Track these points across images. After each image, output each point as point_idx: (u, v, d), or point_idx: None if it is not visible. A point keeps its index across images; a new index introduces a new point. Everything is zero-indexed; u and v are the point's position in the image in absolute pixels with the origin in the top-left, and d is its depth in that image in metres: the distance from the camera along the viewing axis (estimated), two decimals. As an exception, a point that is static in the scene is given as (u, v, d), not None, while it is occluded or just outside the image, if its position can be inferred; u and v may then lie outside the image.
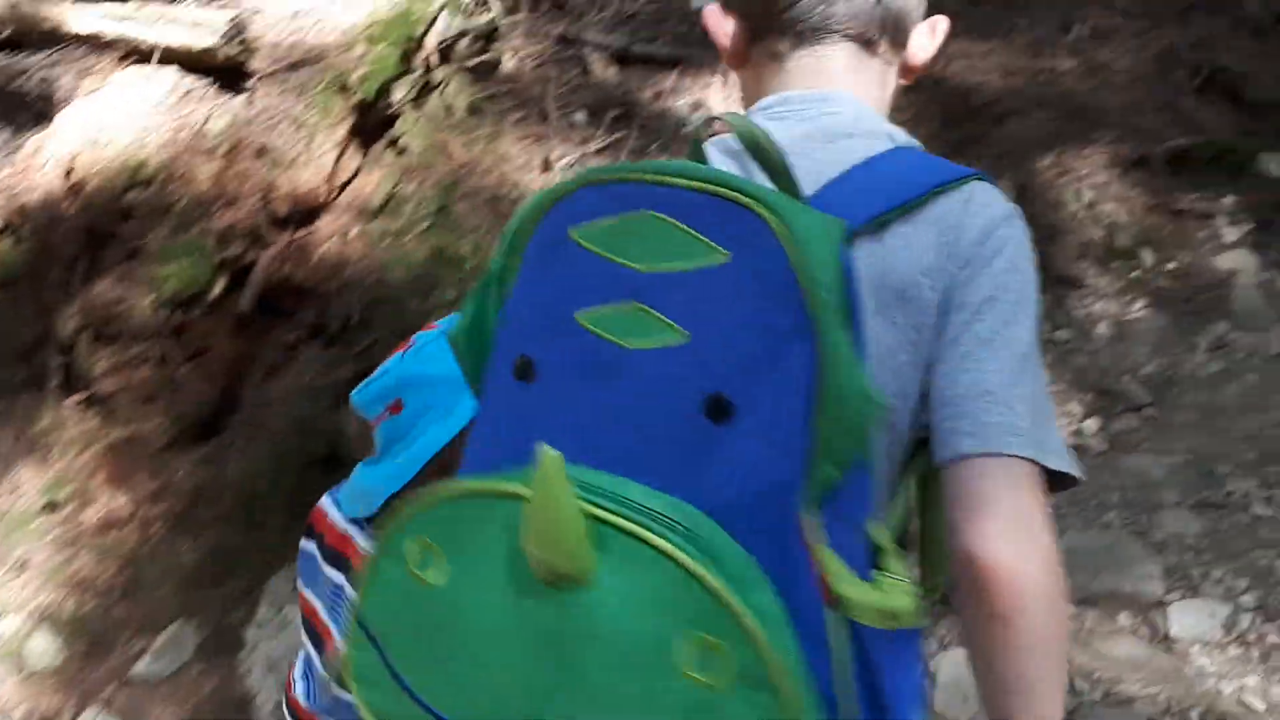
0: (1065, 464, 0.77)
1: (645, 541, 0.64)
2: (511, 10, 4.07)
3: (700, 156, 0.83)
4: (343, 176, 3.27)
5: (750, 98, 0.95)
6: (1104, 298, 3.67)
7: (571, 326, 0.73)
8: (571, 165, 3.73)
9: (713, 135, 0.87)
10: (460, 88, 3.70)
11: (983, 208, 0.82)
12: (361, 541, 1.26)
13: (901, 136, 0.88)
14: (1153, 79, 4.14)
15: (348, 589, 1.25)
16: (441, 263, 3.34)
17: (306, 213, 3.13)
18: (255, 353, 3.08)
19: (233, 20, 3.25)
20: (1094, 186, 3.85)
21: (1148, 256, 3.74)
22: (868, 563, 0.72)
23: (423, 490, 0.72)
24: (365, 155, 3.35)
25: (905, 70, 0.96)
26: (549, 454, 0.65)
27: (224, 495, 2.98)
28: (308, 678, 1.30)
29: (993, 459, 0.75)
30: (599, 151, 3.80)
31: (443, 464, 1.21)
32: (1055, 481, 0.77)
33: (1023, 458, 0.75)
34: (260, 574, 2.89)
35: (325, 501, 1.33)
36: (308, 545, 1.33)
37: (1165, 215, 3.82)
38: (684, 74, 4.09)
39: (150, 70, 3.22)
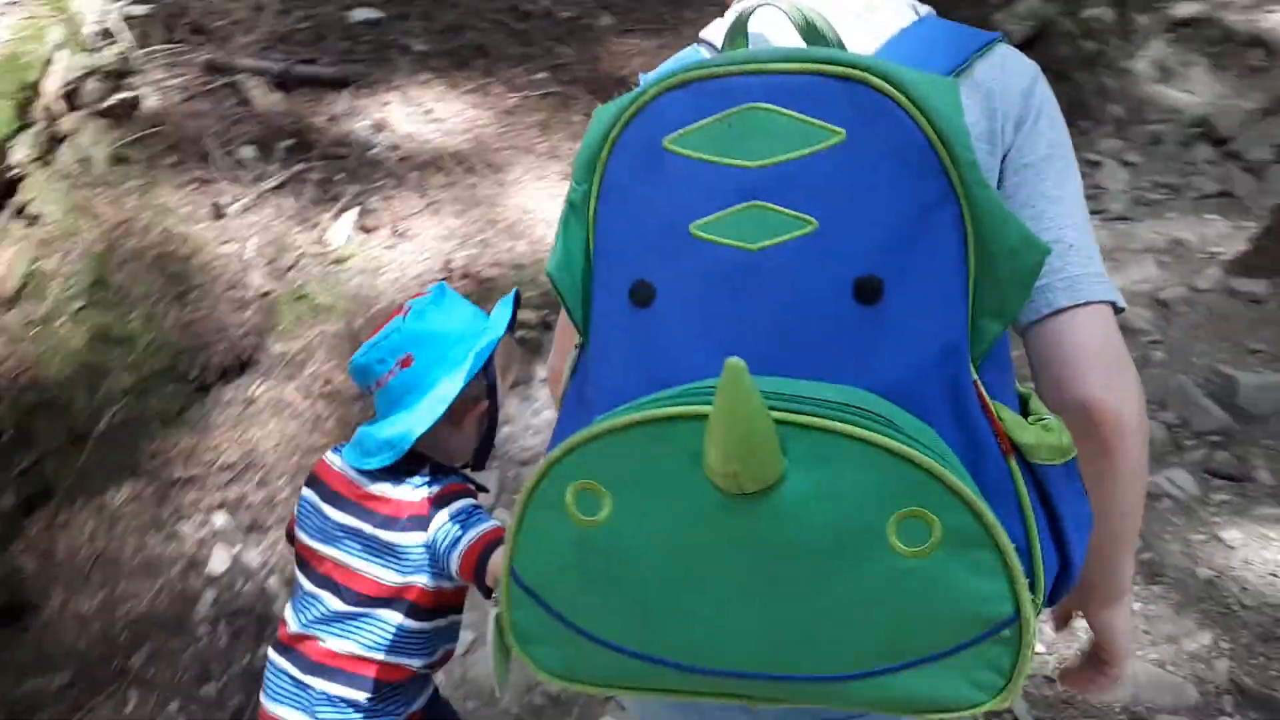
0: (1121, 299, 0.82)
1: (838, 433, 0.61)
2: (144, 40, 3.53)
3: (744, 41, 0.81)
4: (-41, 261, 2.66)
5: None
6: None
7: (686, 240, 0.70)
8: (247, 209, 3.30)
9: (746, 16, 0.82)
10: (97, 136, 3.14)
11: (1017, 68, 0.85)
12: (372, 485, 1.43)
13: (921, 6, 0.89)
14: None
15: (346, 521, 1.44)
16: (108, 346, 2.82)
17: (-84, 314, 2.50)
18: (-126, 499, 2.43)
19: None
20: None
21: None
22: (1018, 409, 0.74)
23: (569, 444, 0.67)
24: (-14, 232, 2.75)
25: None
26: (732, 363, 0.59)
27: None
28: (302, 607, 1.47)
29: (1085, 309, 0.79)
30: (277, 189, 3.39)
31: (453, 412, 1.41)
32: None
33: (1107, 302, 0.80)
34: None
35: (328, 457, 1.50)
36: (308, 493, 1.49)
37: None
38: (358, 94, 3.76)
39: None
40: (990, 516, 0.62)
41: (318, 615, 1.46)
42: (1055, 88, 0.89)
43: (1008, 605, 0.63)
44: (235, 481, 2.85)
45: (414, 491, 1.43)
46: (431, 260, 3.26)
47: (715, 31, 0.93)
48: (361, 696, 1.45)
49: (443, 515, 1.41)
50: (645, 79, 0.83)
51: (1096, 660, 0.95)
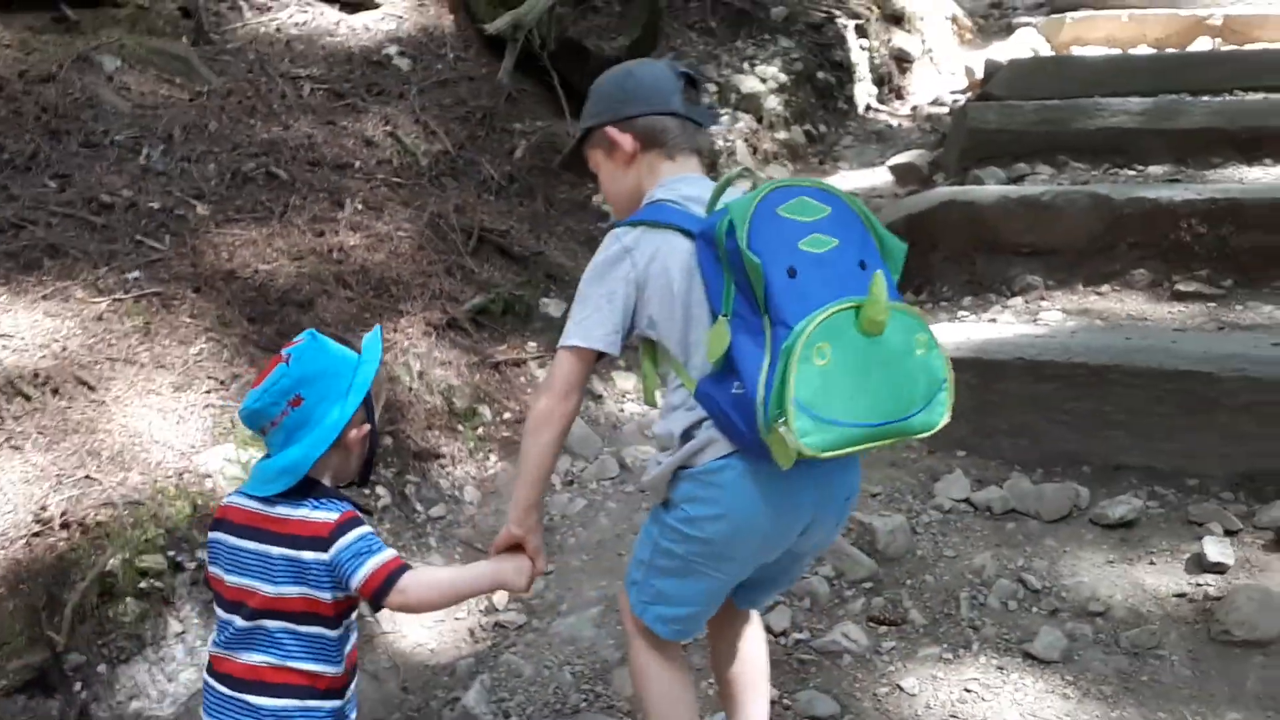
0: None
1: (899, 309, 1.63)
2: None
3: (725, 187, 1.81)
4: None
5: (642, 178, 1.92)
6: (461, 462, 3.70)
7: (797, 249, 1.64)
8: None
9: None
10: None
11: None
12: (272, 510, 1.74)
13: None
14: (433, 244, 4.34)
15: (252, 546, 1.74)
16: None
17: None
18: None
19: None
20: (418, 356, 3.87)
21: (486, 412, 3.89)
22: None
23: (801, 330, 1.58)
24: None
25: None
26: (878, 275, 1.62)
27: None
28: (219, 632, 1.78)
29: None
30: None
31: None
32: None
33: None
34: None
35: (228, 499, 1.83)
36: (215, 534, 1.80)
37: (487, 370, 4.01)
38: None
39: None
40: (935, 336, 1.69)
41: (230, 636, 1.75)
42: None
43: (944, 372, 1.69)
44: None
45: (311, 513, 1.74)
46: (17, 511, 2.68)
47: (667, 192, 1.87)
48: (285, 704, 1.73)
49: (344, 540, 1.72)
50: (674, 216, 1.82)
51: None
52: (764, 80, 6.62)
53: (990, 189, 4.70)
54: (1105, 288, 4.11)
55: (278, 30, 5.44)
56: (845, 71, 7.29)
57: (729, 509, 1.75)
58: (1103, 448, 3.19)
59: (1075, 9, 8.43)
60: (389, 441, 3.58)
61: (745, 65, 6.66)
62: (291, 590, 1.71)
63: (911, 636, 2.59)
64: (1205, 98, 5.35)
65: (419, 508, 3.49)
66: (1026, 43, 7.90)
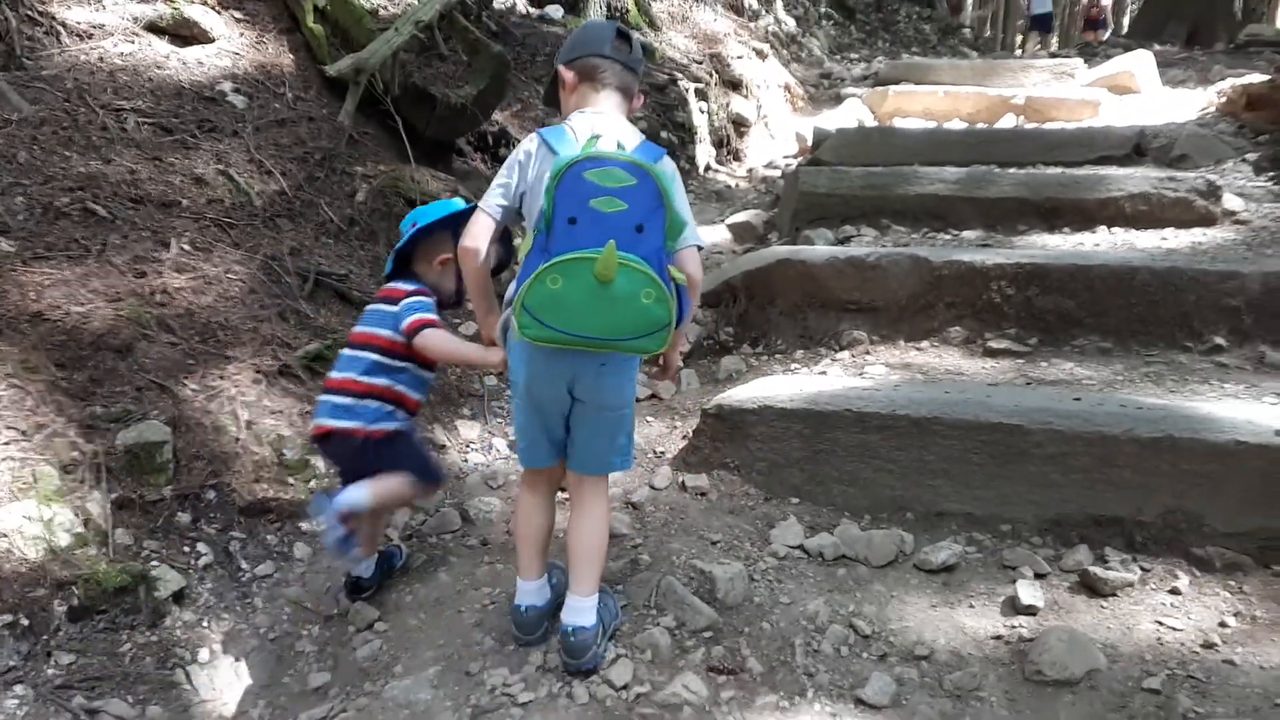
0: (704, 243, 2.75)
1: (634, 266, 2.31)
2: None
3: (594, 141, 2.46)
4: None
5: (576, 106, 2.66)
6: (292, 517, 3.53)
7: (588, 206, 2.30)
8: None
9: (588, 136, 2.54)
10: None
11: (670, 162, 2.58)
12: (385, 286, 3.10)
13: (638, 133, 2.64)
14: (266, 288, 4.17)
15: (372, 306, 3.10)
16: None
17: None
18: None
19: None
20: (246, 405, 3.69)
21: (320, 464, 3.73)
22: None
23: (550, 263, 2.29)
24: None
25: (630, 109, 2.70)
26: (611, 243, 2.26)
27: None
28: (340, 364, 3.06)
29: (691, 247, 2.58)
30: None
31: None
32: None
33: (697, 245, 2.62)
34: None
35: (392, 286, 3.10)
36: (375, 304, 3.09)
37: (321, 420, 3.86)
38: None
39: None
40: (666, 291, 2.34)
41: (344, 364, 3.01)
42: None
43: (667, 319, 2.36)
44: None
45: (402, 285, 3.03)
46: None
47: (577, 122, 2.59)
48: (383, 407, 2.97)
49: (410, 300, 2.96)
50: (562, 145, 2.52)
51: (666, 368, 2.80)
52: (608, 135, 6.74)
53: (821, 249, 4.92)
54: (925, 344, 4.36)
55: (100, 60, 5.16)
56: (687, 133, 7.53)
57: (520, 359, 2.58)
58: (925, 495, 3.35)
59: (897, 83, 9.04)
60: (212, 496, 3.38)
61: (590, 120, 6.76)
62: (384, 332, 2.97)
63: (749, 685, 2.62)
64: (1012, 170, 5.80)
65: (244, 565, 3.31)
66: (853, 112, 8.39)
